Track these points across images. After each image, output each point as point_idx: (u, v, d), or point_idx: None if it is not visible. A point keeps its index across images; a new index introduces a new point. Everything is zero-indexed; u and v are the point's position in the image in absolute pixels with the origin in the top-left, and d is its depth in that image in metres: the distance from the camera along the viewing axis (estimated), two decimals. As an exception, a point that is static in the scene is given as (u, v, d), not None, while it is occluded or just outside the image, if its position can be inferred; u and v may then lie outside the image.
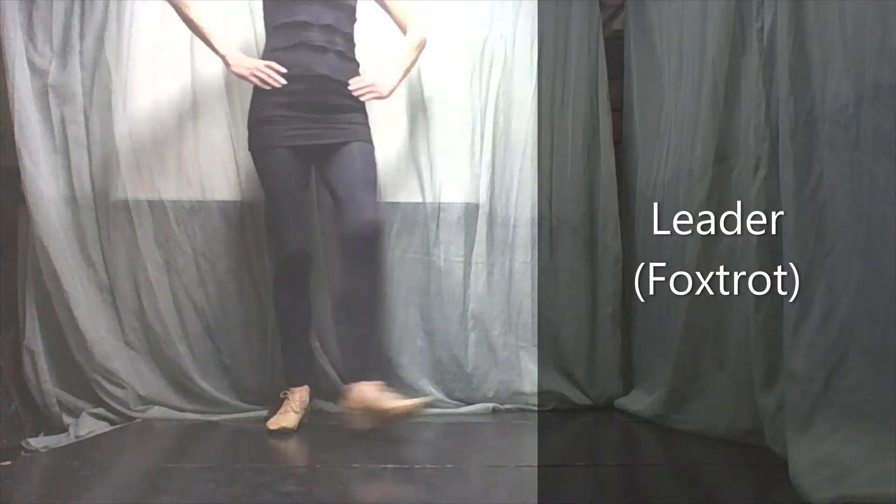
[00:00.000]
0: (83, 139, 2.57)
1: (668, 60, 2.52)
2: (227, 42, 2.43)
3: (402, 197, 2.76)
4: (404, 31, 2.52)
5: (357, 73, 2.41)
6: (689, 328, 2.15)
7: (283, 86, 2.31)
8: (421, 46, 2.52)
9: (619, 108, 2.93)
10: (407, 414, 2.14)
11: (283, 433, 2.26)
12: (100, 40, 2.60)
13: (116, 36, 2.60)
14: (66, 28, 2.57)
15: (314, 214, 2.63)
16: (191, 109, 2.66)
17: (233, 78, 2.65)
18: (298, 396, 2.39)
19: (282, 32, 2.37)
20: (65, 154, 2.56)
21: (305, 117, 2.34)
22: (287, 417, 2.32)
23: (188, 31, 2.65)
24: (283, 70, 2.31)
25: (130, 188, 2.60)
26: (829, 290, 1.57)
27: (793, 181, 1.67)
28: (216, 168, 2.66)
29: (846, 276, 1.52)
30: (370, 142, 2.41)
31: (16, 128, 2.45)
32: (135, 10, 2.64)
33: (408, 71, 2.52)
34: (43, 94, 2.54)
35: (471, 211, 2.76)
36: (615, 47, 2.93)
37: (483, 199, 2.76)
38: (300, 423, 2.34)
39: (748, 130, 1.91)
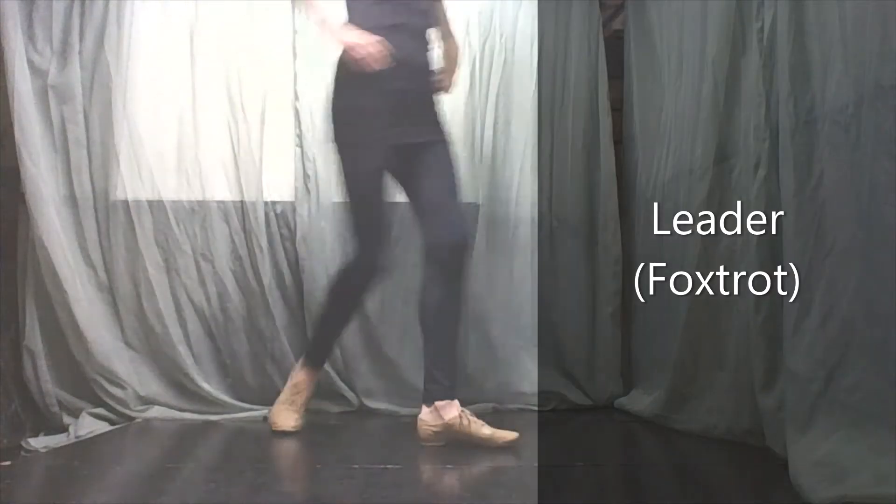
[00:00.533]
0: (83, 139, 2.57)
1: (668, 60, 2.52)
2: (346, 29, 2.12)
3: (402, 197, 2.75)
4: (443, 35, 2.28)
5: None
6: (689, 328, 2.15)
7: (380, 72, 2.02)
8: (459, 58, 2.33)
9: (619, 108, 2.92)
10: (500, 444, 2.03)
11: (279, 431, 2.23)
12: (100, 40, 2.60)
13: (116, 36, 2.61)
14: (66, 28, 2.57)
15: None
16: (191, 109, 2.66)
17: (232, 78, 2.67)
18: (306, 386, 2.27)
19: (375, 6, 2.10)
20: (65, 154, 2.56)
21: (405, 112, 2.10)
22: (290, 419, 2.24)
23: (188, 31, 2.67)
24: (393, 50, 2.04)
25: (130, 188, 2.60)
26: (829, 290, 1.57)
27: (793, 181, 1.66)
28: (216, 168, 2.66)
29: (846, 276, 1.52)
30: (448, 142, 2.19)
31: (16, 128, 2.44)
32: (135, 10, 2.64)
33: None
34: (43, 94, 2.54)
35: (471, 211, 2.76)
36: (615, 47, 2.93)
37: (483, 199, 2.76)
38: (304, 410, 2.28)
39: (748, 130, 1.91)
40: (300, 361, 2.33)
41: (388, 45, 2.03)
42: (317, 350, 2.36)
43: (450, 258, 2.09)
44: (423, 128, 2.14)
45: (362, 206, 2.16)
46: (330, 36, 2.14)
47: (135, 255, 2.58)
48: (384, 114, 2.06)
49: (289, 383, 2.31)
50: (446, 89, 2.23)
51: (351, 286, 2.25)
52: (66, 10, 2.58)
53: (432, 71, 2.18)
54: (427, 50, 2.17)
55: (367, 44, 2.01)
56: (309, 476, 1.80)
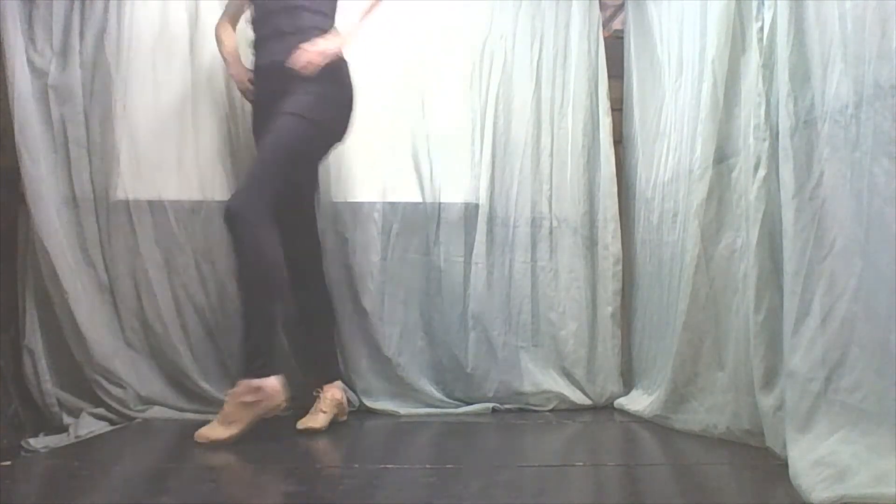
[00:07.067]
0: (83, 139, 2.58)
1: (668, 60, 2.52)
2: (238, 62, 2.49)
3: (402, 197, 2.76)
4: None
5: (310, 41, 2.25)
6: (689, 328, 2.15)
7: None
8: None
9: (619, 108, 2.92)
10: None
11: (311, 433, 2.25)
12: (100, 40, 2.60)
13: (116, 36, 2.61)
14: (66, 28, 2.57)
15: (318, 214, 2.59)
16: (191, 109, 2.66)
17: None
18: (330, 395, 2.37)
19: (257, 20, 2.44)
20: (65, 154, 2.56)
21: (258, 112, 2.41)
22: (315, 418, 2.30)
23: (188, 31, 2.67)
24: (249, 74, 2.42)
25: (130, 188, 2.60)
26: (829, 290, 1.57)
27: (793, 181, 1.67)
28: (216, 168, 2.67)
29: (846, 276, 1.52)
30: (299, 115, 2.20)
31: (16, 128, 2.45)
32: (135, 10, 2.64)
33: (362, 24, 2.36)
34: (43, 94, 2.54)
35: (471, 211, 2.76)
36: (615, 47, 2.93)
37: (483, 199, 2.76)
38: (332, 421, 2.34)
39: (748, 130, 1.91)
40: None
41: (245, 80, 2.42)
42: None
43: (224, 220, 2.12)
44: (274, 116, 2.22)
45: None
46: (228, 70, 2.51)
47: (135, 255, 2.59)
48: (253, 120, 2.45)
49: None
50: (299, 67, 2.21)
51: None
52: (66, 11, 2.58)
53: (281, 64, 2.24)
54: (283, 47, 2.26)
55: (238, 83, 2.44)
56: (309, 476, 1.80)
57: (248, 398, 2.07)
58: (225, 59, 2.50)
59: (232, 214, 2.07)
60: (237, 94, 2.66)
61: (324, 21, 2.34)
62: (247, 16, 2.52)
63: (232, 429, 2.06)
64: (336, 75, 2.30)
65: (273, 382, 2.08)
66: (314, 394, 2.40)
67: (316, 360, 2.48)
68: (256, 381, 2.06)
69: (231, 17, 2.55)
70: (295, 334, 2.51)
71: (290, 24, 2.30)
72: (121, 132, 2.60)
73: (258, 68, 2.39)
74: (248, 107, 2.66)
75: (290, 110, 2.20)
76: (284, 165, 2.19)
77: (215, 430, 2.08)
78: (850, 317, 1.51)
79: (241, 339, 2.12)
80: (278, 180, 2.16)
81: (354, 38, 2.37)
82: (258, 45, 2.39)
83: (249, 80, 2.43)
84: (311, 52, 2.22)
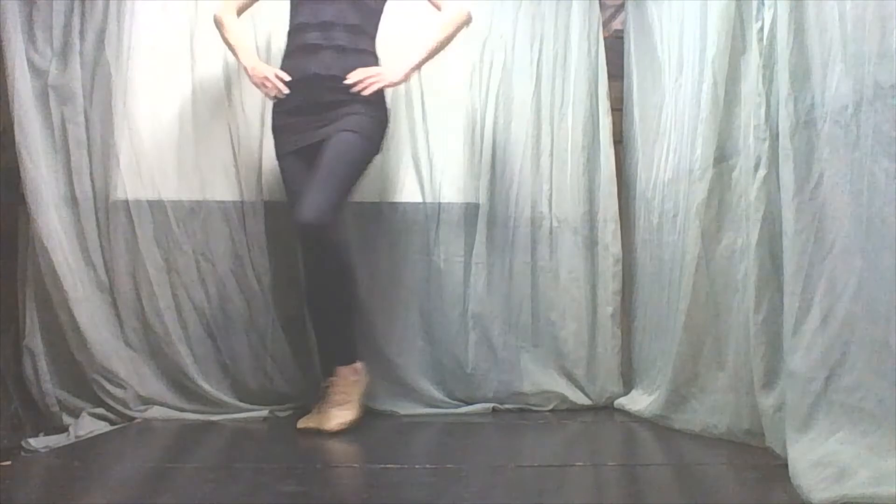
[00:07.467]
0: (83, 139, 2.57)
1: (668, 60, 2.52)
2: (251, 52, 2.48)
3: (402, 197, 2.76)
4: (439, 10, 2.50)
5: (367, 64, 2.38)
6: (689, 328, 2.15)
7: (287, 93, 2.34)
8: (455, 23, 2.45)
9: (619, 108, 2.92)
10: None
11: (311, 432, 2.25)
12: (100, 40, 2.60)
13: (116, 36, 2.61)
14: (66, 28, 2.57)
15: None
16: (191, 109, 2.66)
17: (232, 78, 2.67)
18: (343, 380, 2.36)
19: (289, 38, 2.43)
20: (65, 154, 2.56)
21: (303, 121, 2.37)
22: (318, 418, 2.29)
23: (188, 31, 2.67)
24: (288, 78, 2.34)
25: (130, 188, 2.60)
26: (829, 290, 1.57)
27: (793, 181, 1.67)
28: (216, 168, 2.67)
29: (846, 276, 1.52)
30: (360, 133, 2.33)
31: (16, 128, 2.45)
32: (135, 10, 2.64)
33: (436, 50, 2.46)
34: (43, 94, 2.54)
35: (471, 211, 2.76)
36: (615, 47, 2.93)
37: (483, 199, 2.76)
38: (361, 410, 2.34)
39: (748, 130, 1.91)
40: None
41: (283, 74, 2.35)
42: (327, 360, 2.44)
43: (298, 236, 2.32)
44: (317, 131, 2.34)
45: (291, 207, 2.36)
46: (236, 58, 2.47)
47: (135, 255, 2.58)
48: (291, 127, 2.39)
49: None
50: (387, 82, 2.37)
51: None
52: (66, 11, 2.58)
53: (334, 77, 2.33)
54: (328, 59, 2.34)
55: (261, 76, 2.35)
56: (309, 476, 1.80)
57: (353, 378, 2.33)
58: (233, 47, 2.46)
59: (314, 228, 2.19)
60: (237, 93, 2.66)
61: (371, 44, 2.46)
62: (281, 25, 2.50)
63: (355, 407, 2.30)
64: (383, 99, 2.45)
65: (361, 365, 2.37)
66: (323, 384, 2.39)
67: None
68: (357, 365, 2.35)
69: (241, 7, 2.52)
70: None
71: (349, 42, 2.37)
72: (121, 132, 2.60)
73: (310, 76, 2.34)
74: (249, 107, 2.67)
75: (353, 128, 2.32)
76: (350, 179, 2.32)
77: (342, 415, 2.26)
78: (850, 317, 1.51)
79: (332, 333, 2.36)
80: (344, 192, 2.31)
81: (415, 72, 2.48)
82: (307, 52, 2.36)
83: (274, 78, 2.35)
84: (375, 79, 2.34)
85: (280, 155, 2.45)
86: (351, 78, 2.33)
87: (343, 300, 2.34)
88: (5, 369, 2.46)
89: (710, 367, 2.11)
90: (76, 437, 2.30)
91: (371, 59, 2.42)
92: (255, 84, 2.39)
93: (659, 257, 2.53)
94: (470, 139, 2.79)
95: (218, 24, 2.48)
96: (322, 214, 2.19)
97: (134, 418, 2.45)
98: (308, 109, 2.36)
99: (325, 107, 2.35)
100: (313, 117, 2.36)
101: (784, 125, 1.71)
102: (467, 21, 2.49)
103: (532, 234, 2.80)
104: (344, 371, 2.33)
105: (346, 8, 2.37)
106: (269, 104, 2.52)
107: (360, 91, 2.33)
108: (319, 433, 2.23)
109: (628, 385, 2.77)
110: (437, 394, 2.66)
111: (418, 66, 2.45)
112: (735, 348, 1.99)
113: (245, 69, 2.42)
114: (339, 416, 2.26)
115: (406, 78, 2.43)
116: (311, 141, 2.35)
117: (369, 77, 2.34)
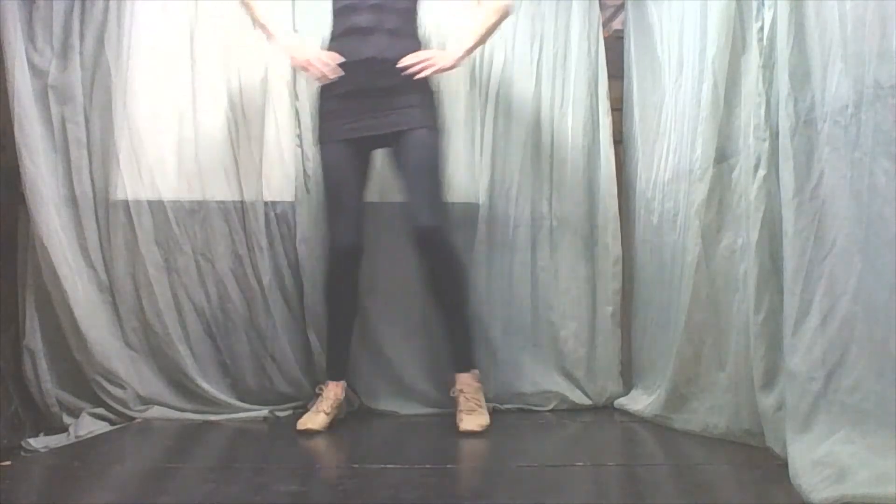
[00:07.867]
0: (83, 139, 2.58)
1: (668, 60, 2.52)
2: (286, 31, 2.44)
3: (402, 197, 2.75)
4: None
5: (417, 49, 2.36)
6: (689, 328, 2.15)
7: (339, 76, 2.27)
8: (500, 12, 2.43)
9: (619, 107, 2.92)
10: None
11: (309, 434, 2.25)
12: (100, 40, 2.60)
13: (116, 36, 2.61)
14: (66, 28, 2.57)
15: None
16: (191, 109, 2.66)
17: (232, 78, 2.67)
18: (333, 394, 2.37)
19: (336, 19, 2.37)
20: (65, 154, 2.56)
21: (356, 106, 2.31)
22: (315, 419, 2.30)
23: (188, 31, 2.67)
24: (341, 59, 2.27)
25: (130, 188, 2.60)
26: (829, 290, 1.57)
27: (793, 181, 1.66)
28: (216, 168, 2.66)
29: (846, 276, 1.52)
30: (431, 126, 2.35)
31: (16, 128, 2.45)
32: (135, 10, 2.64)
33: (483, 38, 2.46)
34: (43, 94, 2.54)
35: (470, 211, 2.76)
36: (615, 47, 2.93)
37: (483, 198, 2.76)
38: (333, 422, 2.34)
39: (748, 130, 1.91)
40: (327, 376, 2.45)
41: (333, 55, 2.26)
42: (331, 362, 2.46)
43: (418, 241, 2.28)
44: (381, 120, 2.30)
45: (328, 198, 2.39)
46: (270, 42, 2.41)
47: (135, 255, 2.58)
48: (344, 113, 2.31)
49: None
50: (440, 67, 2.33)
51: (336, 275, 2.38)
52: (66, 11, 2.58)
53: (390, 61, 2.27)
54: (382, 43, 2.29)
55: (303, 60, 2.28)
56: (309, 476, 1.80)
57: (476, 384, 2.37)
58: (264, 27, 2.38)
59: (435, 232, 2.26)
60: (237, 93, 2.66)
61: (417, 29, 2.44)
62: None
63: (485, 413, 2.32)
64: (430, 83, 2.40)
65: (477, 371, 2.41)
66: (316, 391, 2.40)
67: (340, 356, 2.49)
68: (476, 371, 2.39)
69: None
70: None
71: (401, 25, 2.35)
72: (121, 132, 2.60)
73: (364, 60, 2.28)
74: (249, 107, 2.67)
75: (427, 124, 2.33)
76: (443, 176, 2.38)
77: (481, 419, 2.28)
78: (850, 317, 1.51)
79: (453, 336, 2.39)
80: (444, 191, 2.37)
81: (465, 58, 2.45)
82: (359, 34, 2.30)
83: (317, 61, 2.29)
84: (430, 62, 2.30)
85: (325, 141, 2.39)
86: (404, 62, 2.28)
87: (464, 303, 2.40)
88: (5, 369, 2.46)
89: (710, 367, 2.11)
90: (76, 437, 2.30)
91: (419, 44, 2.40)
92: (296, 67, 2.35)
93: (659, 257, 2.53)
94: (470, 139, 2.79)
95: (245, 4, 2.41)
96: (441, 218, 2.26)
97: (134, 418, 2.45)
98: (362, 94, 2.30)
99: (381, 92, 2.29)
100: (369, 102, 2.30)
101: (784, 125, 1.71)
102: (510, 10, 2.48)
103: (532, 234, 2.80)
104: (466, 378, 2.35)
105: None
106: (270, 104, 2.53)
107: (413, 75, 2.28)
108: (319, 433, 2.24)
109: (628, 385, 2.77)
110: (437, 394, 2.66)
111: (469, 52, 2.44)
112: (735, 348, 1.99)
113: (283, 50, 2.37)
114: (478, 420, 2.27)
115: (457, 63, 2.39)
116: (373, 132, 2.31)
117: (424, 61, 2.30)
